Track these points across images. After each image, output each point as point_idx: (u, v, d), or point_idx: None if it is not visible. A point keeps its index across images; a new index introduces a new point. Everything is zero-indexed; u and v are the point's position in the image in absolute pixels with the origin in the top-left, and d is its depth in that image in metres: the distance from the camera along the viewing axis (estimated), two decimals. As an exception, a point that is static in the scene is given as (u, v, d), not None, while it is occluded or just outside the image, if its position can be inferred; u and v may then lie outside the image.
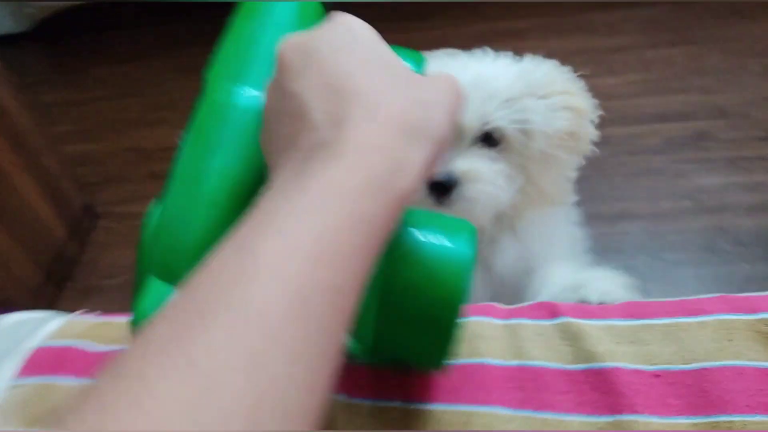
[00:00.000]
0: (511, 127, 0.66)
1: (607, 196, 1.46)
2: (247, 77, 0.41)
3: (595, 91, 1.71)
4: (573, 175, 0.76)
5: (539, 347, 0.46)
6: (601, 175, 1.51)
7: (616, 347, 0.45)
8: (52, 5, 2.47)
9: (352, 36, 0.33)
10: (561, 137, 0.68)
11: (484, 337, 0.47)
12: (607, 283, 0.64)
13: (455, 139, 0.66)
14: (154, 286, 0.37)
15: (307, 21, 0.44)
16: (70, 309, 0.65)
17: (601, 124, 1.70)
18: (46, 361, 0.54)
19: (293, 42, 0.33)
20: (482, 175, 0.66)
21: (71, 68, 2.41)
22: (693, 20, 1.94)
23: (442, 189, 0.65)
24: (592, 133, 0.72)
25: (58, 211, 1.54)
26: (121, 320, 0.61)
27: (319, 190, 0.27)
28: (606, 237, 1.36)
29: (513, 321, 0.49)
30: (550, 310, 0.49)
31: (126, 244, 1.57)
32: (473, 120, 0.66)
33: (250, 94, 0.40)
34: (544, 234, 0.77)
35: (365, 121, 0.29)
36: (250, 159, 0.38)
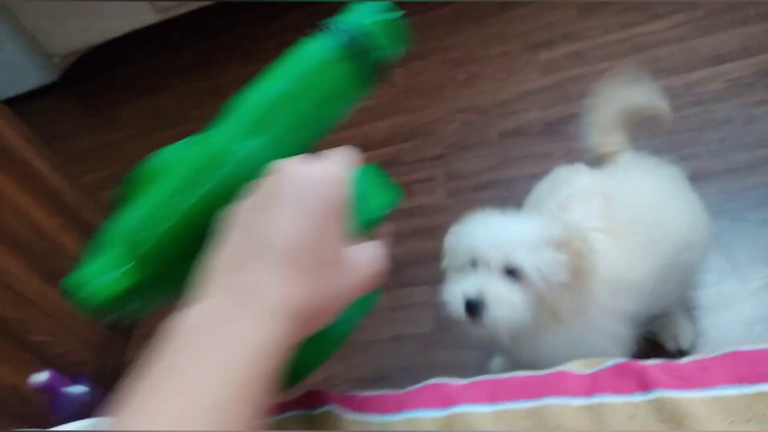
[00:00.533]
0: (530, 269, 0.77)
1: (673, 156, 1.32)
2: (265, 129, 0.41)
3: (640, 41, 1.60)
4: (586, 295, 0.83)
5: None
6: (662, 134, 1.38)
7: (731, 427, 0.36)
8: (75, 51, 2.49)
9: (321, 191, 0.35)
10: (569, 278, 0.79)
11: (564, 427, 0.40)
12: None
13: (484, 267, 0.79)
14: (107, 259, 0.40)
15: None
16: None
17: (655, 76, 1.56)
18: None
19: (289, 173, 0.36)
20: (505, 298, 0.78)
21: (101, 109, 2.43)
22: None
23: (473, 307, 0.77)
24: (593, 265, 0.81)
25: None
26: None
27: (225, 350, 0.30)
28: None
29: (596, 400, 0.41)
30: (638, 377, 0.41)
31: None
32: (498, 257, 0.78)
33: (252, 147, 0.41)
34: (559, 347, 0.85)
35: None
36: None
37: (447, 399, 0.47)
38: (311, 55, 0.43)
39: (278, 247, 0.32)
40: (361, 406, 0.49)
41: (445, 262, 0.88)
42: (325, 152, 0.40)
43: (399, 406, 0.48)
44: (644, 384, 0.40)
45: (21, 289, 1.26)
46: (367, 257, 0.38)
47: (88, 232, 1.47)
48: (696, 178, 1.27)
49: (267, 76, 0.44)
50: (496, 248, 0.79)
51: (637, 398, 0.40)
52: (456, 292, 0.80)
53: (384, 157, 1.66)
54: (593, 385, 0.42)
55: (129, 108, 2.31)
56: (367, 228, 0.43)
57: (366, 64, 0.44)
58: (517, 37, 1.81)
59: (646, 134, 1.38)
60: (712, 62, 1.47)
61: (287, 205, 0.34)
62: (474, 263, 0.81)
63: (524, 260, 0.78)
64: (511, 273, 0.79)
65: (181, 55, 2.44)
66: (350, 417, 0.48)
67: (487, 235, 0.81)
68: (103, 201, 1.60)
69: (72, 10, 2.30)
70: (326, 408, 0.48)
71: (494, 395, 0.46)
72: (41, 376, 1.20)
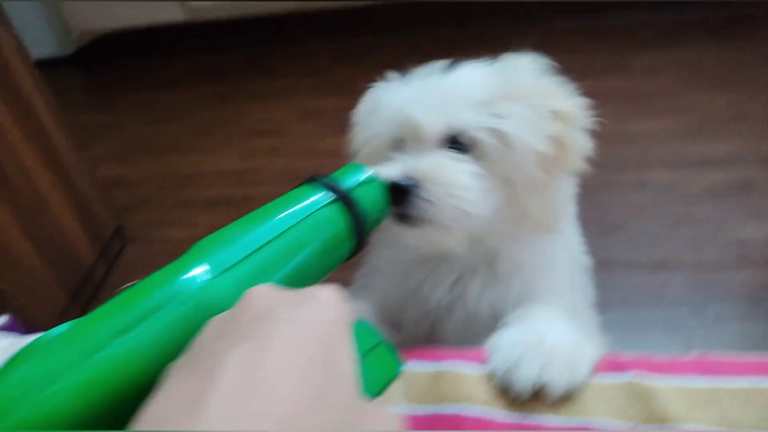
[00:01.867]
0: (483, 132, 0.55)
1: (647, 243, 1.41)
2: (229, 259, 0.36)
3: (634, 134, 1.70)
4: (566, 199, 0.64)
5: (602, 407, 0.43)
6: (640, 221, 1.47)
7: (692, 411, 0.41)
8: (94, 30, 2.53)
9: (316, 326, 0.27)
10: (546, 148, 0.56)
11: None
12: (561, 361, 0.47)
13: (415, 142, 0.57)
14: None
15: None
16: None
17: (641, 168, 1.66)
18: None
19: (263, 293, 0.29)
20: (449, 175, 0.54)
21: (108, 93, 2.46)
22: (734, 65, 1.91)
23: (399, 196, 0.53)
24: (584, 145, 0.59)
25: (89, 232, 1.54)
26: None
27: None
28: (646, 287, 1.31)
29: None
30: (614, 363, 0.45)
31: (153, 269, 1.54)
32: (434, 122, 0.56)
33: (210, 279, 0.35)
34: (528, 273, 0.64)
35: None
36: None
37: None
38: (310, 205, 0.42)
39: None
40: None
41: (354, 149, 0.66)
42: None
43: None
44: (618, 367, 0.44)
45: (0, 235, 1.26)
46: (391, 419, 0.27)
47: (73, 196, 1.48)
48: (665, 266, 1.36)
49: (259, 219, 0.40)
50: (429, 110, 0.57)
51: (610, 380, 0.44)
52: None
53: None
54: None
55: (136, 97, 2.35)
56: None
57: (354, 223, 0.43)
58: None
59: (628, 217, 1.47)
60: (696, 166, 1.58)
61: (271, 342, 0.25)
62: (399, 144, 0.59)
63: (470, 122, 0.56)
64: (457, 145, 0.57)
65: (198, 58, 2.50)
66: None
67: (414, 97, 0.59)
68: (97, 175, 1.61)
69: (102, -8, 2.36)
70: None
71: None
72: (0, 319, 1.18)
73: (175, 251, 0.37)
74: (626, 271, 1.35)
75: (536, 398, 0.46)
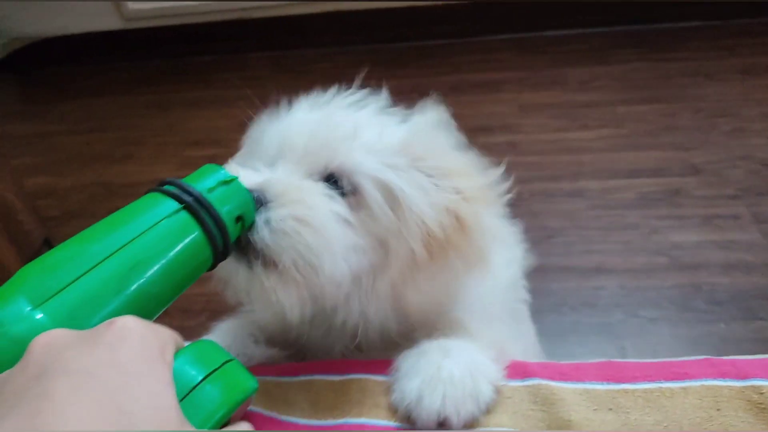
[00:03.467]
0: (369, 180, 0.46)
1: (582, 249, 1.44)
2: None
3: (569, 145, 1.75)
4: (455, 283, 0.52)
5: (507, 412, 0.42)
6: (575, 228, 1.50)
7: (594, 414, 0.41)
8: (27, 36, 2.44)
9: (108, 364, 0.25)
10: (437, 224, 0.46)
11: None
12: (462, 389, 0.44)
13: (290, 164, 0.48)
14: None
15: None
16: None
17: (575, 177, 1.70)
18: None
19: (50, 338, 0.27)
20: (310, 206, 0.44)
21: (40, 100, 2.36)
22: (663, 79, 1.99)
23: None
24: (487, 229, 0.49)
25: (15, 244, 1.46)
26: None
27: None
28: (580, 291, 1.34)
29: None
30: (519, 369, 0.45)
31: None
32: (315, 149, 0.48)
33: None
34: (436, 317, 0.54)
35: None
36: None
37: None
38: (153, 215, 0.38)
39: None
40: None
41: (240, 152, 0.57)
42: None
43: None
44: (523, 373, 0.44)
45: None
46: None
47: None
48: (599, 271, 1.39)
49: (106, 230, 0.37)
50: (315, 137, 0.48)
51: (515, 383, 0.44)
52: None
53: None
54: None
55: (70, 105, 2.27)
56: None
57: (210, 230, 0.39)
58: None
59: (563, 225, 1.50)
60: (628, 175, 1.63)
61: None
62: (277, 157, 0.50)
63: (362, 164, 0.47)
64: (335, 185, 0.47)
65: (134, 66, 2.44)
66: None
67: (306, 121, 0.50)
68: (24, 186, 1.54)
69: (36, -3, 2.28)
70: None
71: None
72: None
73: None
74: (561, 276, 1.37)
75: (442, 427, 0.44)
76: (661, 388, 0.44)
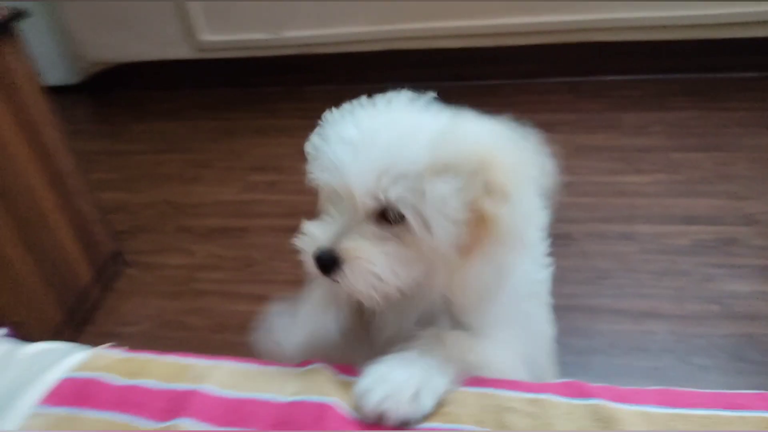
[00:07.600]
0: (408, 208, 0.56)
1: (632, 292, 1.46)
2: None
3: (623, 188, 1.76)
4: (494, 274, 0.61)
5: (569, 427, 0.46)
6: (626, 271, 1.51)
7: None
8: (105, 61, 2.60)
9: None
10: (461, 231, 0.55)
11: (511, 410, 0.47)
12: (404, 393, 0.56)
13: (348, 205, 0.59)
14: None
15: None
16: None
17: (628, 220, 1.70)
18: (71, 393, 0.55)
19: None
20: (364, 256, 0.57)
21: (115, 121, 2.51)
22: (718, 128, 1.99)
23: (323, 266, 0.59)
24: (514, 220, 0.56)
25: (87, 254, 1.56)
26: (146, 357, 0.62)
27: None
28: (631, 335, 1.34)
29: (542, 396, 0.48)
30: (578, 390, 0.48)
31: (148, 294, 1.57)
32: (364, 197, 0.57)
33: None
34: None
35: None
36: None
37: None
38: None
39: None
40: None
41: (312, 183, 0.64)
42: None
43: None
44: (583, 393, 0.48)
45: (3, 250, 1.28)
46: None
47: (74, 217, 1.51)
48: (649, 316, 1.39)
49: None
50: (361, 178, 0.56)
51: (576, 401, 0.47)
52: (309, 240, 0.61)
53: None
54: (540, 388, 0.50)
55: (141, 126, 2.40)
56: None
57: None
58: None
59: (614, 267, 1.52)
60: (681, 221, 1.64)
61: None
62: (336, 197, 0.61)
63: (400, 196, 0.55)
64: (386, 217, 0.58)
65: (204, 93, 2.57)
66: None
67: (349, 153, 0.58)
68: (99, 199, 1.64)
69: (114, 24, 2.44)
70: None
71: None
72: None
73: (170, 278, 0.40)
74: (611, 318, 1.38)
75: (380, 420, 0.54)
76: (717, 415, 0.46)
